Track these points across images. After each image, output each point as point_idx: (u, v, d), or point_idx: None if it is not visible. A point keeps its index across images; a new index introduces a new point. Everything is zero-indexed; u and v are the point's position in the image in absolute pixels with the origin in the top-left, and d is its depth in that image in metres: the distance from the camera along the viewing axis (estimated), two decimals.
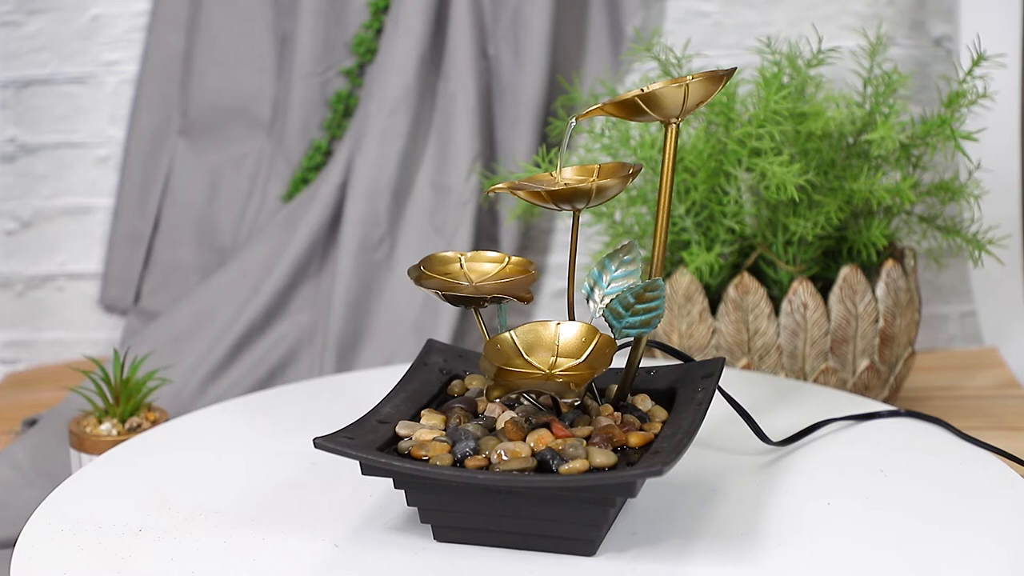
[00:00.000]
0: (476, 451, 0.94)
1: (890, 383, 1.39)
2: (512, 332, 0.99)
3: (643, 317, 1.00)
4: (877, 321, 1.35)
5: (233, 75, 1.70)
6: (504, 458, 0.92)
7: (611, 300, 1.00)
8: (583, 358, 0.97)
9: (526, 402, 1.00)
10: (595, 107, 0.98)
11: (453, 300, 1.01)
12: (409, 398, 1.03)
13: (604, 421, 0.98)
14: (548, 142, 1.64)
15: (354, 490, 1.03)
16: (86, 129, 1.72)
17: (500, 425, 0.97)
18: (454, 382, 1.07)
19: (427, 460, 0.93)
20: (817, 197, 1.33)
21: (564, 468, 0.91)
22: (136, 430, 1.26)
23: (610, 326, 1.01)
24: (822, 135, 1.33)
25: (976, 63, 1.35)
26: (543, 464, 0.92)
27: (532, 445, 0.94)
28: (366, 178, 1.62)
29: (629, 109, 0.97)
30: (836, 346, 1.35)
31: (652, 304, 0.99)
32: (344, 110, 1.69)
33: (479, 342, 1.56)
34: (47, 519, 1.00)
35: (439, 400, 1.05)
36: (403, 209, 1.64)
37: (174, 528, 0.98)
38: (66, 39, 1.70)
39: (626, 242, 1.06)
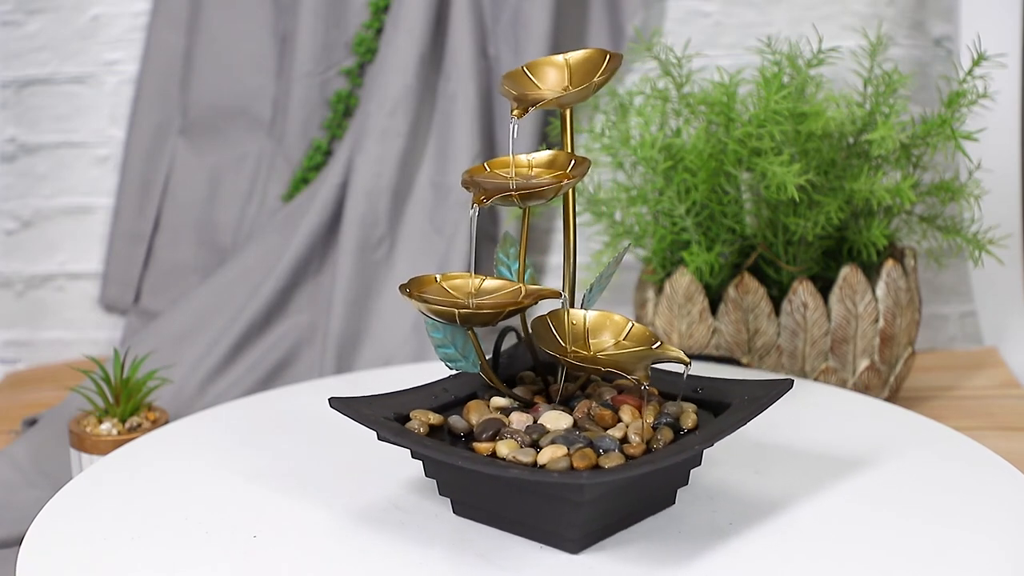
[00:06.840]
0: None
1: (890, 383, 1.39)
2: (587, 313, 1.02)
3: (602, 286, 1.06)
4: (877, 321, 1.35)
5: (233, 75, 1.70)
6: (649, 439, 0.95)
7: (597, 276, 1.06)
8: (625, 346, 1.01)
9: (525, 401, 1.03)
10: (517, 108, 0.99)
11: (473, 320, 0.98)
12: (434, 443, 0.97)
13: (613, 391, 1.03)
14: (548, 142, 1.64)
15: (366, 503, 1.03)
16: (86, 129, 1.72)
17: (555, 425, 0.97)
18: (407, 425, 1.00)
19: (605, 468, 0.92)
20: (817, 197, 1.33)
21: (688, 426, 0.99)
22: (136, 430, 1.26)
23: (582, 304, 1.05)
24: (822, 135, 1.33)
25: (976, 63, 1.35)
26: (675, 429, 0.98)
27: (634, 423, 0.97)
28: (366, 178, 1.62)
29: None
30: (836, 346, 1.35)
31: (611, 269, 1.06)
32: (344, 110, 1.69)
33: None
34: (53, 520, 0.99)
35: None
36: (403, 209, 1.64)
37: (179, 532, 0.98)
38: (66, 39, 1.70)
39: (504, 233, 1.09)
